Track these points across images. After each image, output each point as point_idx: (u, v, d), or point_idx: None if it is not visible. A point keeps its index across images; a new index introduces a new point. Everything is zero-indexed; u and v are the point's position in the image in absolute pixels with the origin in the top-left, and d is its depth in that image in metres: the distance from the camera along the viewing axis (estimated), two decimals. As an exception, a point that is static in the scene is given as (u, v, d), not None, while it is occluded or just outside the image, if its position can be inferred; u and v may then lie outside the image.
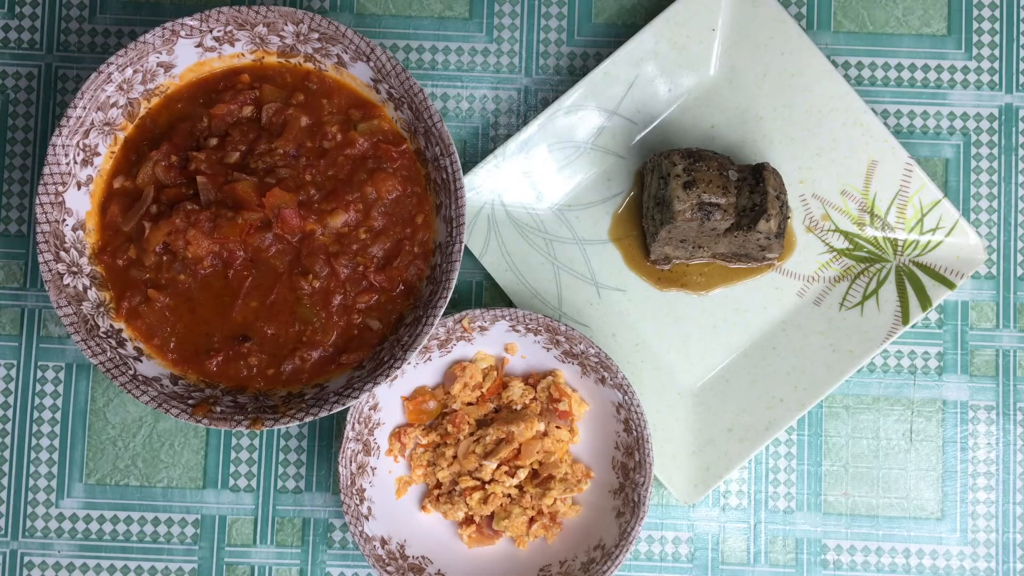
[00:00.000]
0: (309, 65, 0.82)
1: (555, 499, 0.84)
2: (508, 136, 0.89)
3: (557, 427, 0.85)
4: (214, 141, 0.80)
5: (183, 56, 0.81)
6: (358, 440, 0.82)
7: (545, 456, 0.85)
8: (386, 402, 0.84)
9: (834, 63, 0.89)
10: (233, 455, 0.88)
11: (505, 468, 0.84)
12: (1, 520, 0.87)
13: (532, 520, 0.85)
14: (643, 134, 0.88)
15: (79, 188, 0.80)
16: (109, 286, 0.81)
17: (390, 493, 0.85)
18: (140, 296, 0.80)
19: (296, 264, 0.80)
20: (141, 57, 0.79)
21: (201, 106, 0.81)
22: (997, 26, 0.90)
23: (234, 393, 0.80)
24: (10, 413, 0.88)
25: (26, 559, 0.87)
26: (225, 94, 0.81)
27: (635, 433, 0.82)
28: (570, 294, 0.87)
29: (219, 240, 0.79)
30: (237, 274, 0.80)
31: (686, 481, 0.85)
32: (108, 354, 0.78)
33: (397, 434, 0.85)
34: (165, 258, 0.80)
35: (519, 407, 0.85)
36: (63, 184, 0.79)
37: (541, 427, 0.85)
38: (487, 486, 0.84)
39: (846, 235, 0.88)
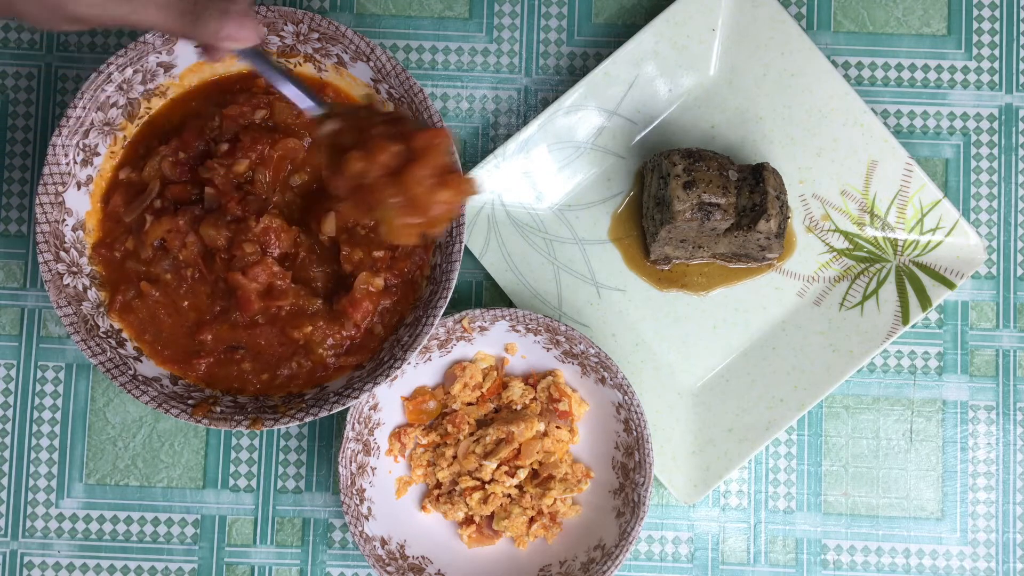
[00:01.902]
0: (310, 68, 0.82)
1: (555, 499, 0.84)
2: (508, 136, 0.89)
3: (557, 427, 0.85)
4: (225, 147, 0.80)
5: (183, 56, 0.81)
6: (358, 440, 0.82)
7: (545, 456, 0.85)
8: (386, 402, 0.84)
9: (834, 63, 0.89)
10: (233, 455, 0.88)
11: (505, 468, 0.84)
12: (1, 520, 0.87)
13: (532, 520, 0.85)
14: (643, 134, 0.88)
15: (79, 188, 0.80)
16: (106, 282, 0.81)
17: (390, 493, 0.85)
18: (134, 290, 0.80)
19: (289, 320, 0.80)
20: (141, 57, 0.79)
21: (215, 106, 0.81)
22: (997, 26, 0.90)
23: (234, 393, 0.80)
24: (10, 413, 0.88)
25: (26, 559, 0.87)
26: (239, 96, 0.81)
27: (635, 433, 0.82)
28: (570, 294, 0.87)
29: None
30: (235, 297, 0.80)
31: (686, 481, 0.85)
32: (108, 354, 0.78)
33: (397, 434, 0.85)
34: (159, 253, 0.80)
35: (519, 407, 0.85)
36: (63, 184, 0.79)
37: (541, 427, 0.85)
38: (487, 486, 0.84)
39: (846, 235, 0.88)
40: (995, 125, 0.89)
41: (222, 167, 0.79)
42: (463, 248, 0.78)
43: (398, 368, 0.77)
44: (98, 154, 0.81)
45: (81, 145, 0.79)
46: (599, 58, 0.90)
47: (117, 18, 0.61)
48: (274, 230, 0.78)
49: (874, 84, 0.90)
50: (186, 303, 0.80)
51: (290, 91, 0.69)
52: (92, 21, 0.60)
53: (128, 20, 0.61)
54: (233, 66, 0.82)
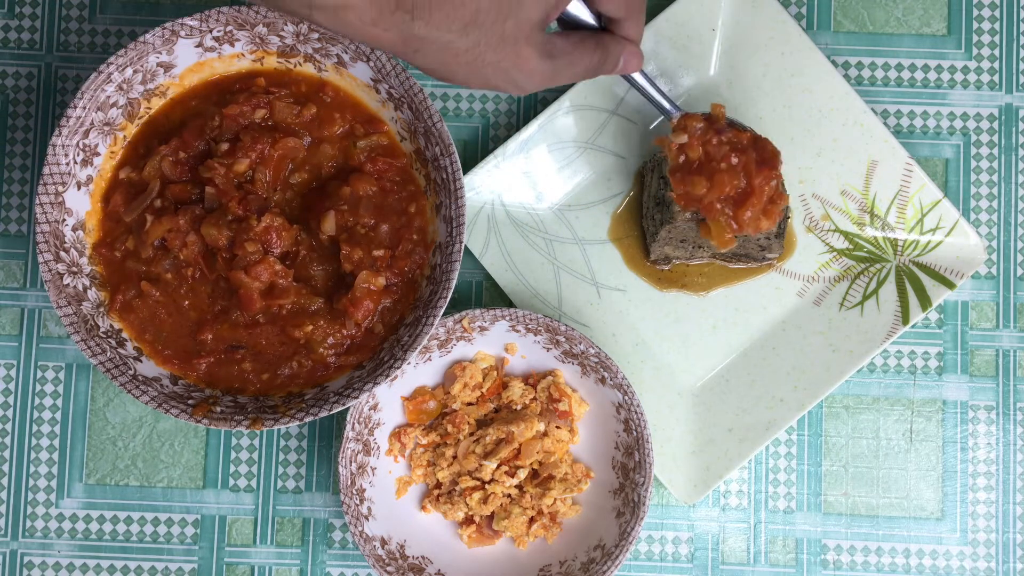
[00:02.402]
0: (310, 68, 0.82)
1: (555, 499, 0.84)
2: (508, 136, 0.89)
3: (557, 427, 0.85)
4: (225, 146, 0.80)
5: (183, 56, 0.81)
6: (358, 440, 0.82)
7: (545, 456, 0.85)
8: (386, 402, 0.84)
9: (834, 63, 0.89)
10: (233, 455, 0.88)
11: (505, 468, 0.84)
12: (1, 520, 0.88)
13: (532, 520, 0.85)
14: (643, 134, 0.88)
15: (79, 188, 0.80)
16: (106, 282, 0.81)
17: (390, 493, 0.85)
18: (134, 290, 0.80)
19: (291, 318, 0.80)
20: (141, 57, 0.79)
21: (215, 105, 0.82)
22: (997, 26, 0.90)
23: (234, 393, 0.80)
24: (10, 413, 0.88)
25: (26, 559, 0.87)
26: (239, 95, 0.81)
27: (635, 433, 0.82)
28: (570, 294, 0.87)
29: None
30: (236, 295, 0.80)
31: (686, 481, 0.85)
32: (108, 354, 0.78)
33: (397, 434, 0.85)
34: (159, 253, 0.80)
35: (519, 407, 0.85)
36: (63, 184, 0.79)
37: (541, 427, 0.85)
38: (487, 486, 0.84)
39: (846, 235, 0.88)
40: (995, 125, 0.89)
41: (222, 167, 0.79)
42: (463, 248, 0.78)
43: (398, 368, 0.77)
44: (98, 154, 0.81)
45: (81, 145, 0.79)
46: (599, 58, 0.90)
47: (556, 82, 0.68)
48: (275, 229, 0.78)
49: (874, 84, 0.90)
50: (187, 302, 0.80)
51: (658, 100, 0.79)
52: (536, 89, 0.68)
53: (562, 81, 0.68)
54: (233, 66, 0.82)
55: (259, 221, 0.78)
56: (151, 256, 0.80)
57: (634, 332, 0.88)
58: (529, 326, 0.83)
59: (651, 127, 0.88)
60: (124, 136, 0.82)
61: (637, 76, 0.76)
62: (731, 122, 0.80)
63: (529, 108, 0.89)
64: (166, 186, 0.80)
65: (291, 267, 0.79)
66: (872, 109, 0.88)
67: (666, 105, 0.79)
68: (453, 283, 0.78)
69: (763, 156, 0.78)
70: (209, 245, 0.79)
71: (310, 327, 0.79)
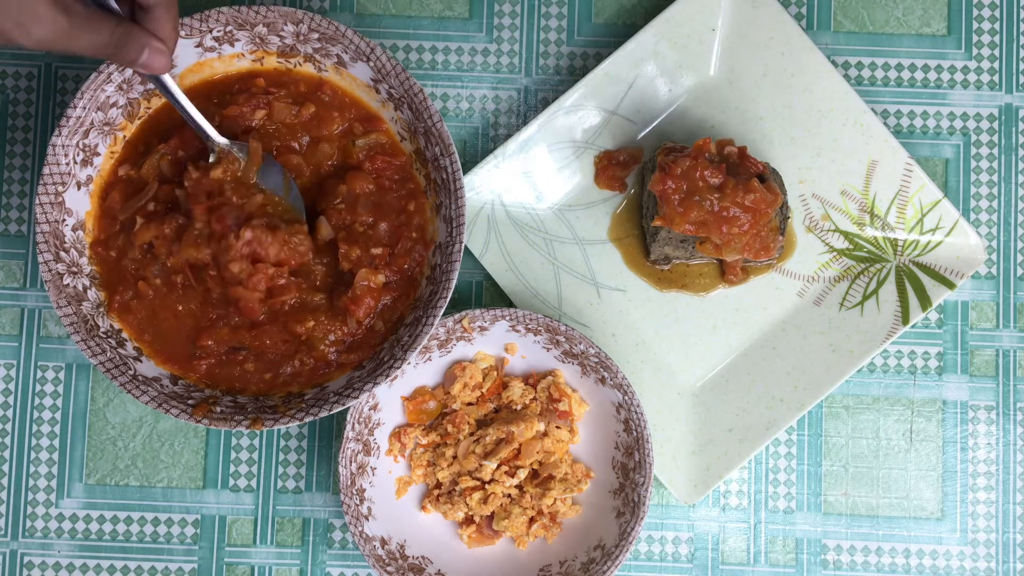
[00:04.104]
0: (310, 68, 0.82)
1: (555, 499, 0.84)
2: (508, 136, 0.89)
3: (557, 427, 0.85)
4: None
5: (183, 56, 0.81)
6: (358, 440, 0.82)
7: (545, 456, 0.85)
8: (386, 402, 0.84)
9: (834, 63, 0.89)
10: (233, 455, 0.88)
11: (505, 468, 0.84)
12: (1, 520, 0.88)
13: (532, 520, 0.85)
14: (643, 134, 0.88)
15: (79, 188, 0.80)
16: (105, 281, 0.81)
17: (390, 493, 0.85)
18: (131, 290, 0.80)
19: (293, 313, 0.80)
20: (141, 57, 0.79)
21: (216, 106, 0.81)
22: (997, 26, 0.90)
23: (234, 393, 0.80)
24: (10, 413, 0.88)
25: (26, 559, 0.87)
26: (239, 96, 0.81)
27: (635, 433, 0.82)
28: (570, 294, 0.87)
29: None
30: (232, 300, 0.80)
31: (686, 481, 0.85)
32: (108, 354, 0.78)
33: (397, 434, 0.85)
34: (148, 258, 0.80)
35: (519, 407, 0.85)
36: (63, 184, 0.79)
37: (541, 427, 0.85)
38: (487, 486, 0.84)
39: (846, 235, 0.88)
40: (995, 125, 0.89)
41: (197, 171, 0.78)
42: (463, 248, 0.78)
43: (398, 368, 0.77)
44: (98, 154, 0.81)
45: (81, 145, 0.79)
46: (599, 58, 0.90)
47: (72, 44, 0.66)
48: (259, 242, 0.77)
49: (874, 84, 0.90)
50: (180, 307, 0.80)
51: (196, 121, 0.77)
52: (51, 41, 0.66)
53: (80, 48, 0.67)
54: (232, 66, 0.82)
55: (238, 238, 0.77)
56: (139, 259, 0.80)
57: (634, 332, 0.88)
58: (529, 326, 0.83)
59: (651, 127, 0.88)
60: (124, 136, 0.82)
61: (172, 88, 0.74)
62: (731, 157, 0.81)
63: (529, 108, 0.90)
64: (163, 186, 0.80)
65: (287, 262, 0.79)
66: (872, 109, 0.88)
67: (205, 129, 0.77)
68: (453, 283, 0.78)
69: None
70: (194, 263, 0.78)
71: (312, 323, 0.79)
